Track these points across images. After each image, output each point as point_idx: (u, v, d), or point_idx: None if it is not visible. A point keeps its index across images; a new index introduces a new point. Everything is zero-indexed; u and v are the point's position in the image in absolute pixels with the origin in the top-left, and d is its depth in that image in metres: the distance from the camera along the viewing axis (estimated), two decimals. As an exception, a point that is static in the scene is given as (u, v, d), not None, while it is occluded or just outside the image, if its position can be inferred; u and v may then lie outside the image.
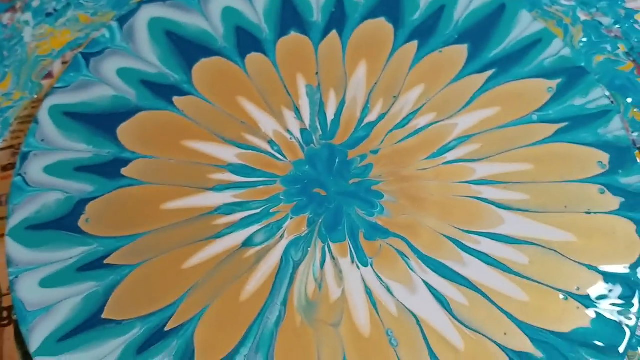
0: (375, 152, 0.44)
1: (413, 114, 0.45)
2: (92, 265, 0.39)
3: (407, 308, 0.39)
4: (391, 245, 0.41)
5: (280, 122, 0.45)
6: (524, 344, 0.38)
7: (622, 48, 0.50)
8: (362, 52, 0.47)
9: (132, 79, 0.45)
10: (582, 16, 0.51)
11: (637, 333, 0.39)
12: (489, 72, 0.46)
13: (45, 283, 0.39)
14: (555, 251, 0.40)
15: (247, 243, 0.41)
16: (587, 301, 0.39)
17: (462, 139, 0.44)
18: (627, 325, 0.38)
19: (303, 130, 0.45)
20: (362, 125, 0.45)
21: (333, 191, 0.43)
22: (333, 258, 0.40)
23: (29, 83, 0.48)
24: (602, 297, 0.39)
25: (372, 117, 0.45)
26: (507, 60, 0.47)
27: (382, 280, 0.40)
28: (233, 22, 0.48)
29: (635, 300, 0.39)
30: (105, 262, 0.40)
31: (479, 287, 0.39)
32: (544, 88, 0.45)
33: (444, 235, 0.41)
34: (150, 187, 0.42)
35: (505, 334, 0.38)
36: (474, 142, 0.44)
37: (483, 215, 0.42)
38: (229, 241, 0.41)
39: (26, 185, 0.42)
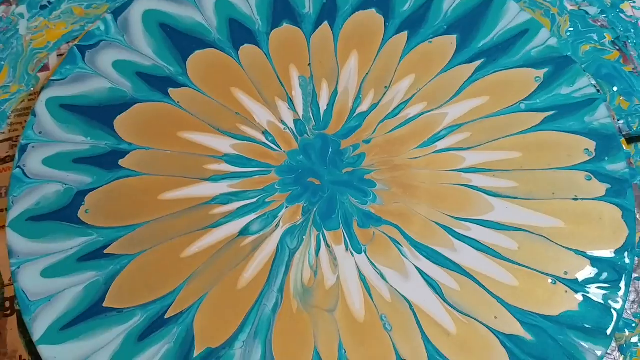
0: (367, 141, 0.45)
1: (404, 104, 0.46)
2: (93, 255, 0.40)
3: (400, 293, 0.40)
4: (384, 233, 0.42)
5: (274, 113, 0.46)
6: (514, 327, 0.39)
7: (608, 37, 0.51)
8: (354, 43, 0.48)
9: (127, 72, 0.46)
10: (569, 6, 0.52)
11: (624, 316, 0.40)
12: (478, 62, 0.47)
13: (46, 273, 0.40)
14: (543, 237, 0.41)
15: (244, 232, 0.42)
16: (575, 285, 0.40)
17: (452, 128, 0.45)
18: (614, 309, 0.39)
19: (296, 121, 0.45)
20: (355, 115, 0.46)
21: (327, 180, 0.44)
22: (328, 246, 0.41)
23: (25, 76, 0.49)
24: (589, 281, 0.40)
25: (364, 107, 0.46)
26: (496, 50, 0.47)
27: (375, 267, 0.41)
28: (226, 14, 0.48)
29: (621, 284, 0.40)
30: (105, 252, 0.40)
31: (470, 273, 0.40)
32: (532, 77, 0.46)
33: (435, 223, 0.42)
34: (147, 178, 0.43)
35: (495, 317, 0.39)
36: (463, 131, 0.45)
37: (473, 203, 0.43)
38: (226, 230, 0.42)
39: (25, 177, 0.42)
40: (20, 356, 0.40)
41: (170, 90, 0.46)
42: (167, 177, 0.43)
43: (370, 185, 0.43)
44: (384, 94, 0.46)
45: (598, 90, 0.46)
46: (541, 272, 0.40)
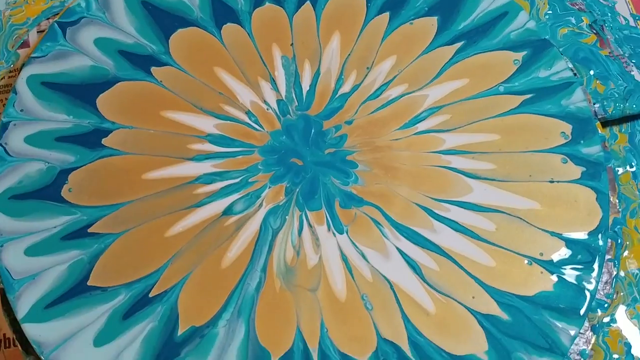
0: (349, 122, 0.45)
1: (385, 85, 0.46)
2: (76, 234, 0.41)
3: (381, 273, 0.41)
4: (365, 214, 0.43)
5: (257, 93, 0.46)
6: (491, 307, 0.40)
7: (585, 21, 0.51)
8: (336, 23, 0.48)
9: (109, 49, 0.46)
10: (547, -12, 0.53)
11: (596, 296, 0.41)
12: (458, 45, 0.48)
13: (30, 252, 0.40)
14: (520, 218, 0.42)
15: (227, 212, 0.42)
16: (550, 266, 0.41)
17: (433, 110, 0.46)
18: (588, 289, 0.40)
19: (279, 101, 0.46)
20: (337, 96, 0.46)
21: (309, 161, 0.44)
22: (310, 226, 0.42)
23: (4, 52, 0.48)
24: (564, 262, 0.41)
25: (346, 88, 0.46)
26: (475, 32, 0.48)
27: (357, 247, 0.41)
28: (208, -8, 0.49)
29: (595, 265, 0.41)
30: (89, 230, 0.41)
31: (449, 253, 0.41)
32: (511, 60, 0.47)
33: (416, 204, 0.43)
34: (131, 157, 0.43)
35: (473, 297, 0.40)
36: (443, 113, 0.45)
37: (452, 184, 0.43)
38: (210, 210, 0.42)
39: (7, 155, 0.42)
40: (5, 334, 0.41)
41: (153, 69, 0.45)
42: (151, 156, 0.43)
43: (352, 166, 0.44)
44: (366, 75, 0.47)
45: (575, 74, 0.47)
46: (517, 253, 0.41)
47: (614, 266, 0.43)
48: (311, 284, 0.40)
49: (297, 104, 0.46)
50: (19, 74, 0.45)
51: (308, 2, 0.49)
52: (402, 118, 0.45)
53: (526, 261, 0.41)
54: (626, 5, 0.52)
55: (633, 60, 0.49)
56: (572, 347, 0.39)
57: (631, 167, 0.46)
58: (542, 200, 0.43)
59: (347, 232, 0.42)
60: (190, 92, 0.45)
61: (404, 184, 0.43)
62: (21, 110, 0.43)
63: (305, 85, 0.46)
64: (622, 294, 0.43)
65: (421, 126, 0.45)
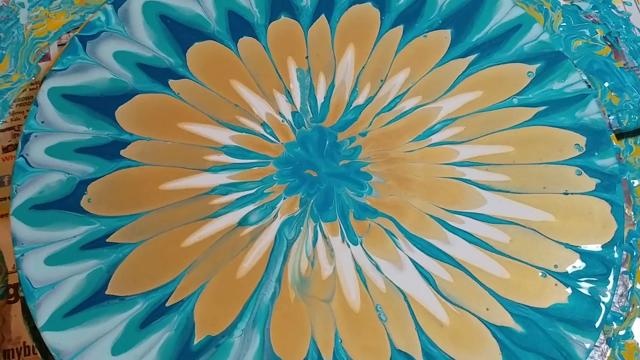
0: (363, 134, 0.46)
1: (399, 97, 0.47)
2: (95, 244, 0.41)
3: (395, 284, 0.41)
4: (379, 225, 0.43)
5: (272, 105, 0.46)
6: (505, 319, 0.40)
7: (599, 33, 0.52)
8: (350, 36, 0.49)
9: (128, 62, 0.47)
10: (562, 1, 0.53)
11: (612, 309, 0.41)
12: (472, 57, 0.48)
13: (50, 261, 0.40)
14: (534, 230, 0.42)
15: (243, 222, 0.43)
16: (564, 278, 0.41)
17: (446, 122, 0.46)
18: (603, 302, 0.40)
19: (294, 113, 0.46)
20: (351, 108, 0.47)
21: (324, 172, 0.45)
22: (324, 237, 0.42)
23: (26, 65, 0.49)
24: (579, 275, 0.41)
25: (360, 100, 0.47)
26: (489, 45, 0.48)
27: (371, 258, 0.42)
28: (225, 6, 0.49)
29: (610, 278, 0.41)
30: (107, 240, 0.41)
31: (463, 265, 0.41)
32: (524, 72, 0.47)
33: (430, 215, 0.43)
34: (148, 168, 0.44)
35: (487, 309, 0.40)
36: (457, 125, 0.46)
37: (466, 196, 0.44)
38: (225, 220, 0.43)
39: (28, 166, 0.43)
40: (24, 342, 0.41)
41: (171, 82, 0.46)
42: (168, 167, 0.44)
43: (366, 177, 0.44)
44: (380, 88, 0.47)
45: (589, 86, 0.47)
46: (532, 265, 0.41)
47: (630, 278, 0.43)
48: (325, 295, 0.41)
49: (311, 115, 0.46)
50: (40, 86, 0.45)
51: (323, 15, 0.49)
52: (416, 130, 0.46)
53: (540, 273, 0.41)
54: (640, 18, 0.53)
55: (647, 73, 0.50)
56: None
57: (646, 179, 0.47)
58: (556, 212, 0.43)
59: (361, 243, 0.42)
60: (206, 104, 0.46)
61: (418, 196, 0.44)
62: (42, 122, 0.44)
63: (320, 98, 0.47)
64: (638, 306, 0.43)
65: (435, 138, 0.45)
